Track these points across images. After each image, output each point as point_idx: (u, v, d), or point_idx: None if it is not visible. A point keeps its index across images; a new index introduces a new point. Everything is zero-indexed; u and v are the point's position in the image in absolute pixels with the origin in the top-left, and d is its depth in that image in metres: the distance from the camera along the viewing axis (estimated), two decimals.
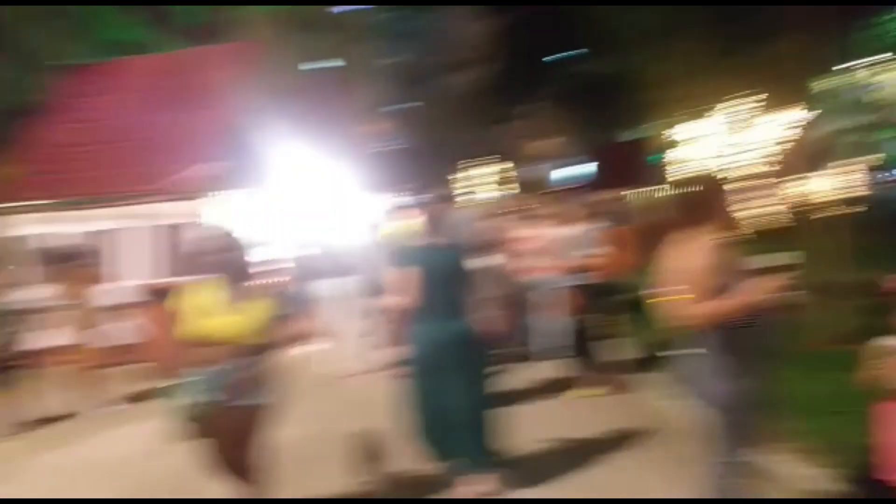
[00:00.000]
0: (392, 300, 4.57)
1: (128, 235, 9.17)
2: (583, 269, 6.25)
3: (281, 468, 4.15)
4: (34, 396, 7.23)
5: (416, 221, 4.88)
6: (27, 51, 13.19)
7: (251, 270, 3.82)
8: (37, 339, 8.81)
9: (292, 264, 8.89)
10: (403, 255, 4.61)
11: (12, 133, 10.61)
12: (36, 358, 9.06)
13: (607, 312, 6.48)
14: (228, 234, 3.86)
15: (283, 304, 3.82)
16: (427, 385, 4.45)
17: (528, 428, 5.42)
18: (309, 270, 8.40)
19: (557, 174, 34.41)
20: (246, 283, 3.75)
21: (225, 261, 3.71)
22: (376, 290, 6.40)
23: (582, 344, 6.38)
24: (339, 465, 5.03)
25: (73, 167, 9.64)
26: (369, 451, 4.81)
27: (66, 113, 10.47)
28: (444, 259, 4.54)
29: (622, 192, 19.41)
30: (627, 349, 7.41)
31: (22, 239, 9.39)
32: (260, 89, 10.76)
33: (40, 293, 7.04)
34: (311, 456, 5.16)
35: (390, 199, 11.69)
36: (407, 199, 8.61)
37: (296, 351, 3.90)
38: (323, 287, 8.25)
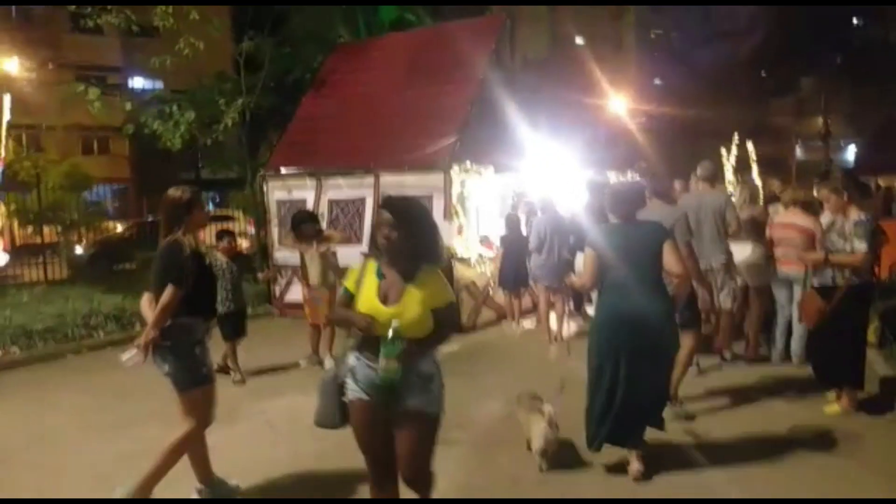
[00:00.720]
0: (578, 279, 4.84)
1: (369, 204, 9.77)
2: (848, 266, 5.36)
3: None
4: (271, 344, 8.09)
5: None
6: (303, 31, 14.66)
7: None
8: (287, 293, 9.91)
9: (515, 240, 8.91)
10: (596, 232, 4.63)
11: (284, 107, 11.84)
12: (284, 309, 10.21)
13: (866, 318, 5.61)
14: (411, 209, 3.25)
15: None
16: (603, 363, 4.47)
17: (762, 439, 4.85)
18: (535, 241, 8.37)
19: (833, 156, 30.78)
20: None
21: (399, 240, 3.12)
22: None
23: (837, 352, 5.51)
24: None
25: (325, 139, 10.52)
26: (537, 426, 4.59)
27: (325, 89, 11.43)
28: (639, 237, 4.45)
29: None
30: (884, 363, 6.39)
31: (277, 203, 10.50)
32: (510, 64, 10.82)
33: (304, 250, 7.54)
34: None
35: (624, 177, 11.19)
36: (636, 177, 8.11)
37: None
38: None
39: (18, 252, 17.77)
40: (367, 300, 3.14)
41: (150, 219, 22.12)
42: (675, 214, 5.59)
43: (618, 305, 4.41)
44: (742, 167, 14.63)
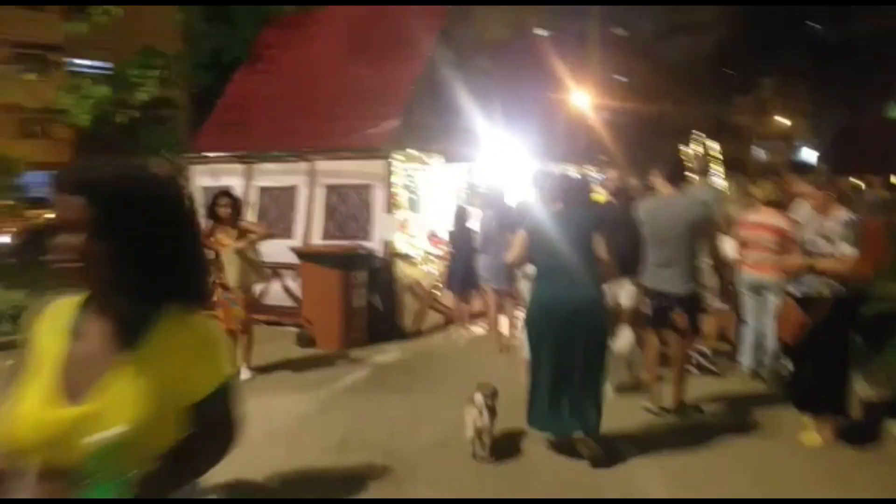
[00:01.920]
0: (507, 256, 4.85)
1: (303, 193, 8.82)
2: (835, 274, 4.64)
3: None
4: None
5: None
6: (232, 6, 13.56)
7: None
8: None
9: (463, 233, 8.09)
10: (531, 218, 4.72)
11: (220, 88, 10.81)
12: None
13: (847, 330, 4.84)
14: None
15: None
16: (538, 349, 4.56)
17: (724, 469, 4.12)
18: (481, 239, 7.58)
19: (796, 154, 30.78)
20: None
21: None
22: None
23: (819, 373, 4.79)
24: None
25: (256, 120, 9.54)
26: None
27: (260, 65, 10.41)
28: (571, 223, 4.50)
29: (872, 178, 16.60)
30: (867, 383, 5.75)
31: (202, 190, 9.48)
32: (461, 47, 9.96)
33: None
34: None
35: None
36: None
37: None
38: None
39: None
40: (34, 396, 1.53)
41: None
42: (694, 205, 5.31)
43: (551, 291, 4.51)
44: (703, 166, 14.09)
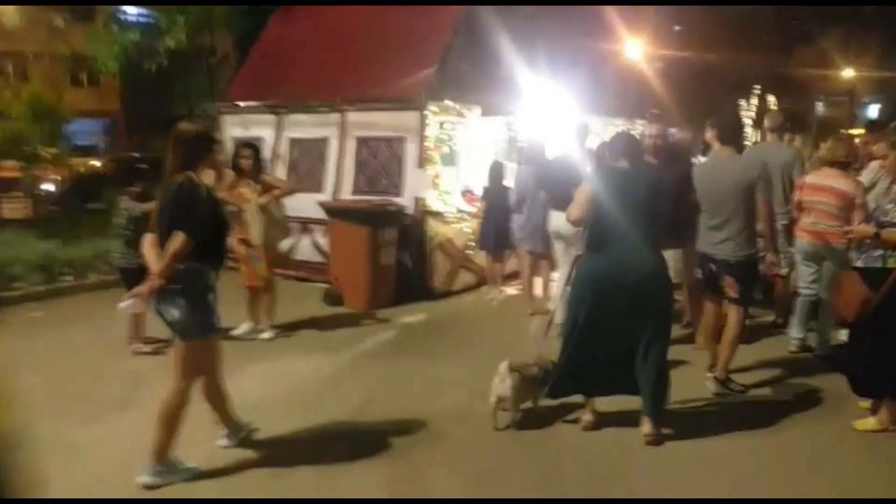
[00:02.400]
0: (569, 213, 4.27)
1: (333, 146, 8.49)
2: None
3: None
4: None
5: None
6: None
7: None
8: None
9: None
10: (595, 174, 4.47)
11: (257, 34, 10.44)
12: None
13: None
14: None
15: None
16: (584, 317, 4.15)
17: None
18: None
19: (862, 111, 29.19)
20: None
21: None
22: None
23: (881, 353, 4.33)
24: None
25: (289, 69, 9.18)
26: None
27: (296, 11, 9.98)
28: (629, 183, 4.13)
29: None
30: None
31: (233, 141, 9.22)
32: None
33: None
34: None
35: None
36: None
37: None
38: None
39: None
40: None
41: (135, 154, 20.84)
42: (752, 166, 4.99)
43: (607, 258, 4.11)
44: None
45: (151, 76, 15.79)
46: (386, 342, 6.38)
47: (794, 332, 5.98)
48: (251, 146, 6.35)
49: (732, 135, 5.14)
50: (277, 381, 5.26)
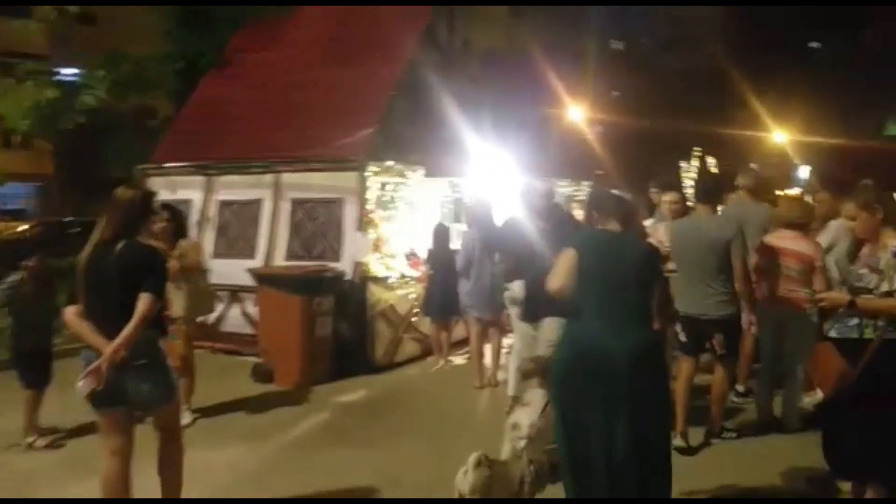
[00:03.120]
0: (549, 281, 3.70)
1: (267, 208, 7.95)
2: (886, 313, 3.80)
3: None
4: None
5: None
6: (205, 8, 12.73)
7: None
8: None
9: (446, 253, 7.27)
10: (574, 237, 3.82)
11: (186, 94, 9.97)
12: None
13: None
14: None
15: None
16: (569, 411, 3.49)
17: None
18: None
19: (794, 171, 30.25)
20: None
21: None
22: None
23: (864, 432, 3.93)
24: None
25: (221, 128, 8.69)
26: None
27: (230, 70, 9.55)
28: (620, 249, 3.60)
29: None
30: None
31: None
32: (448, 49, 9.14)
33: None
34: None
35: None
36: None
37: None
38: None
39: None
40: None
41: (66, 218, 19.77)
42: (728, 224, 5.04)
43: (588, 336, 3.49)
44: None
45: (86, 138, 14.99)
46: (319, 427, 5.72)
47: (763, 400, 5.60)
48: (169, 208, 5.75)
49: (710, 193, 5.20)
50: (189, 479, 4.55)
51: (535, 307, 4.93)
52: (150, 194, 3.92)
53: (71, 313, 3.53)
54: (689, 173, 20.67)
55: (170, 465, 3.76)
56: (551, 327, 4.67)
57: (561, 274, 3.64)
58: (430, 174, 8.24)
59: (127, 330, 3.37)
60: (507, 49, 12.10)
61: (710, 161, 21.83)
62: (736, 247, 4.83)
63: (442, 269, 7.34)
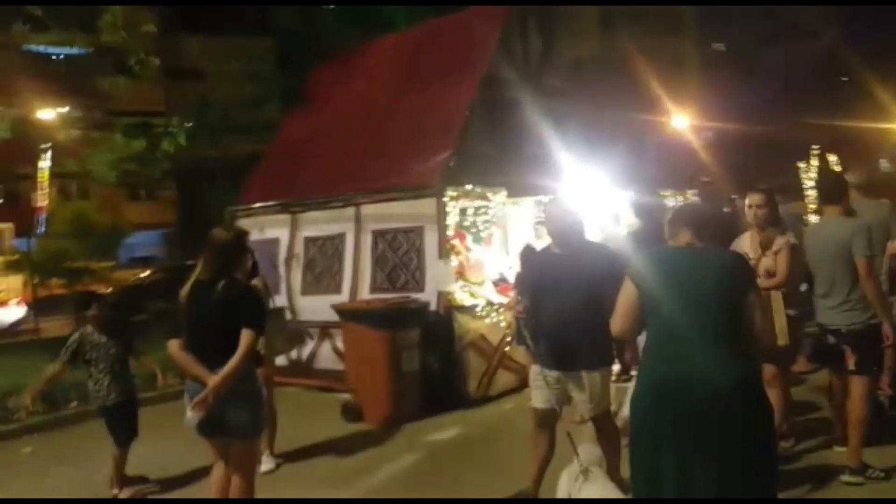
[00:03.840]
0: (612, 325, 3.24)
1: (349, 241, 7.80)
2: None
3: None
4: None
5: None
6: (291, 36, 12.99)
7: None
8: None
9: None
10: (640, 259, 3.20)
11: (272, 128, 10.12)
12: None
13: None
14: None
15: None
16: (646, 457, 2.96)
17: None
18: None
19: None
20: None
21: None
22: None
23: None
24: None
25: (302, 165, 8.69)
26: None
27: (310, 105, 9.59)
28: (692, 265, 3.04)
29: None
30: None
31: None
32: (527, 62, 8.74)
33: None
34: None
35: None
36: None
37: None
38: None
39: (41, 305, 16.83)
40: None
41: (185, 262, 20.81)
42: (847, 225, 4.49)
43: (668, 371, 2.93)
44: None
45: (205, 186, 15.55)
46: (405, 471, 5.37)
47: None
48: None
49: (830, 193, 4.74)
50: None
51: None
52: (244, 234, 4.11)
53: (175, 346, 3.75)
54: (808, 174, 19.22)
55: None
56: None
57: (621, 314, 3.16)
58: (513, 195, 7.84)
59: (232, 362, 3.57)
60: (599, 58, 11.53)
61: (832, 159, 20.20)
62: (857, 246, 4.30)
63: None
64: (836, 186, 4.89)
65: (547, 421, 4.27)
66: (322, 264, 8.04)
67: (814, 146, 19.48)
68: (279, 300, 8.21)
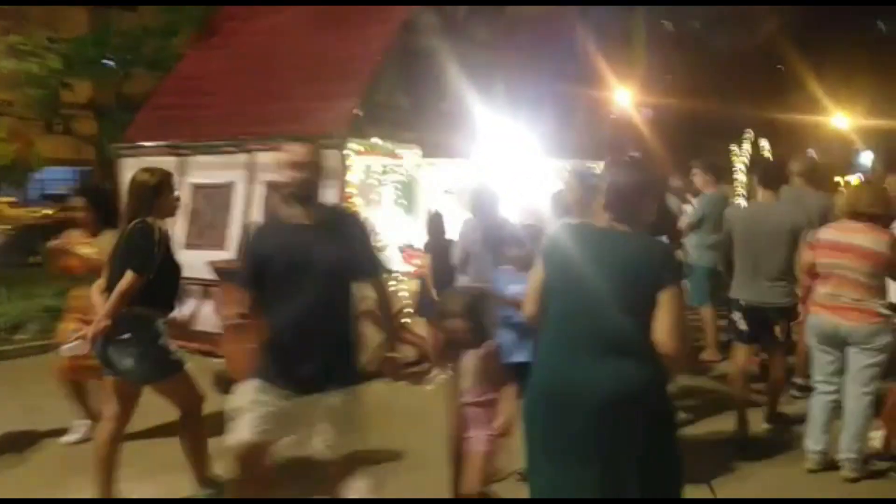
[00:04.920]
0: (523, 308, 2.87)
1: (240, 192, 7.03)
2: None
3: None
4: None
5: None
6: None
7: None
8: None
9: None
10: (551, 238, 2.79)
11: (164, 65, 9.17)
12: None
13: None
14: None
15: None
16: (545, 472, 2.59)
17: None
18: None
19: (854, 157, 28.41)
20: None
21: None
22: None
23: None
24: None
25: (198, 104, 7.80)
26: None
27: (214, 40, 8.64)
28: (600, 250, 2.56)
29: None
30: None
31: None
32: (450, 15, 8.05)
33: None
34: None
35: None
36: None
37: None
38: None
39: None
40: None
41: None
42: (798, 211, 5.01)
43: (561, 371, 2.53)
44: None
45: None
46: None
47: (812, 443, 4.42)
48: (87, 192, 4.90)
49: (774, 178, 5.05)
50: None
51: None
52: (164, 178, 3.93)
53: (94, 286, 3.89)
54: (740, 158, 19.25)
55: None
56: None
57: (530, 294, 2.76)
58: (427, 154, 7.19)
59: (102, 305, 3.64)
60: (536, 16, 10.83)
61: (764, 145, 20.32)
62: (808, 232, 4.61)
63: (438, 263, 6.32)
64: (780, 172, 5.30)
65: (257, 460, 3.05)
66: (208, 216, 7.23)
67: (747, 130, 19.54)
68: None
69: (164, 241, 3.76)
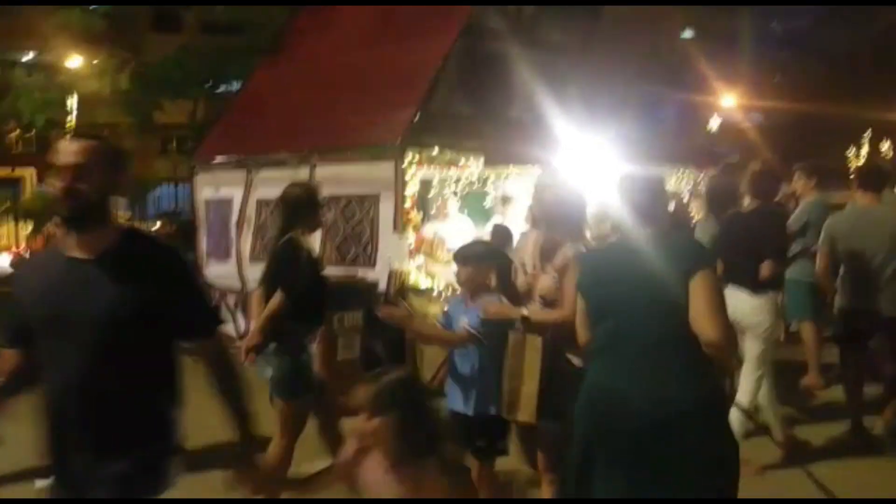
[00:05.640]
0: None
1: None
2: None
3: None
4: None
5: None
6: None
7: None
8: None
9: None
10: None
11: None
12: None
13: None
14: None
15: None
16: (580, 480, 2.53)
17: None
18: None
19: None
20: None
21: None
22: None
23: None
24: None
25: (265, 119, 7.81)
26: None
27: (284, 55, 8.62)
28: (629, 260, 2.49)
29: None
30: None
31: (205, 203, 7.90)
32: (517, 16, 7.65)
33: None
34: None
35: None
36: None
37: None
38: None
39: None
40: None
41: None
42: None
43: (606, 386, 2.51)
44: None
45: None
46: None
47: None
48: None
49: (870, 179, 4.90)
50: None
51: None
52: (311, 193, 3.98)
53: (254, 295, 4.12)
54: (858, 161, 17.75)
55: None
56: None
57: (579, 324, 2.78)
58: (493, 162, 6.83)
59: (258, 321, 3.79)
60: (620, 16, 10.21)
61: (884, 148, 18.64)
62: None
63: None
64: (877, 173, 5.07)
65: None
66: (272, 231, 7.18)
67: (864, 132, 17.97)
68: (229, 266, 7.47)
69: (311, 257, 3.85)
